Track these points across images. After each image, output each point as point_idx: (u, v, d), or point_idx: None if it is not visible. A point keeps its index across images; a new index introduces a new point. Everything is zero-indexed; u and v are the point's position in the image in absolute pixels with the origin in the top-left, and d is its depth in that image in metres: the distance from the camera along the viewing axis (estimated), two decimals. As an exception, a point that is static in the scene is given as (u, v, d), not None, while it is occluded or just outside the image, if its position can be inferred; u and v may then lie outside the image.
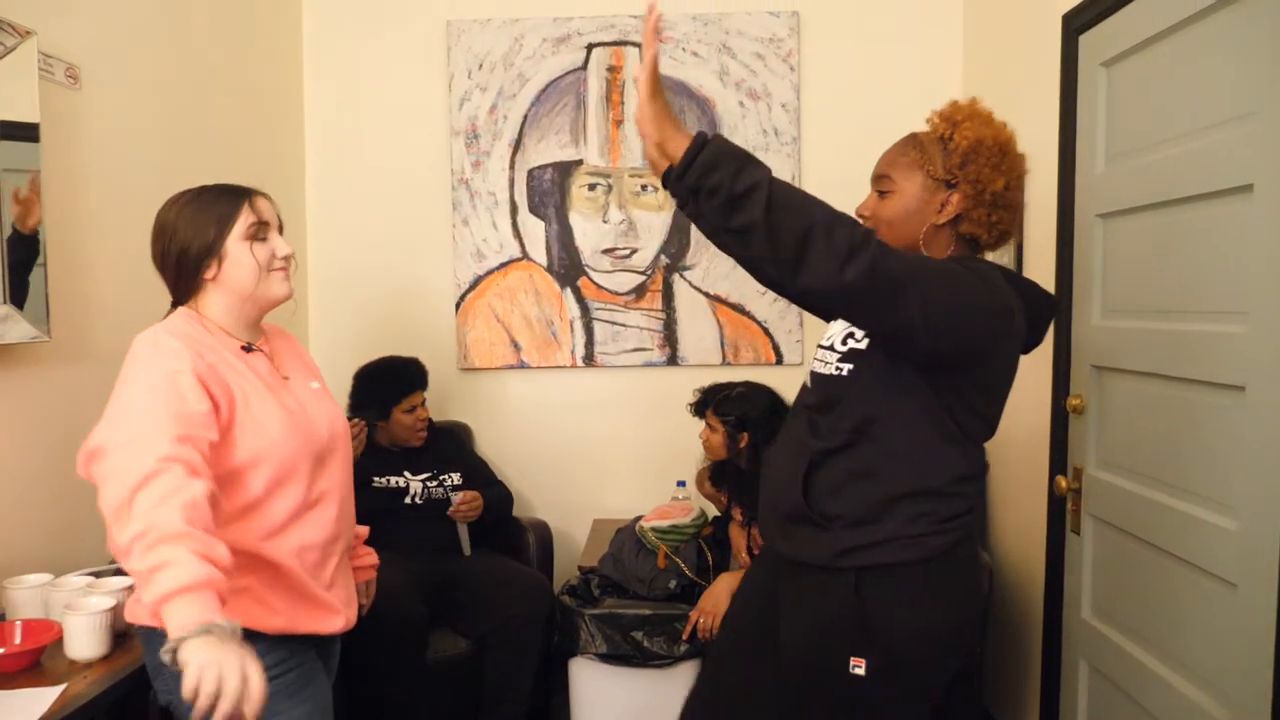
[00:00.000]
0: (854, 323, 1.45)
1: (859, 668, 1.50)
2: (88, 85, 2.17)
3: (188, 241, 1.50)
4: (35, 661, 1.63)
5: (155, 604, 1.14)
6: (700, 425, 2.69)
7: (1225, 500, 1.69)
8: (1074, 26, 2.22)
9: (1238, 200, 1.64)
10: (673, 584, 2.62)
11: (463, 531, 2.83)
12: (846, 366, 1.53)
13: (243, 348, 1.53)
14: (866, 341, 1.51)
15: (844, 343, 1.55)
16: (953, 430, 1.48)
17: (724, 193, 1.30)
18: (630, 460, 3.32)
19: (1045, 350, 2.39)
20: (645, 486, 3.23)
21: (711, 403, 2.64)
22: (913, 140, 1.61)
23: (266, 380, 1.52)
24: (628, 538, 2.73)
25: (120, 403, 1.36)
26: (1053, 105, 2.34)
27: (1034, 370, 2.49)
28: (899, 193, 1.58)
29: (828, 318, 1.64)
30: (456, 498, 2.78)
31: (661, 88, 1.34)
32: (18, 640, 1.66)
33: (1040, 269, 2.48)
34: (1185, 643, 1.82)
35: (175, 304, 1.57)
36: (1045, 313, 1.61)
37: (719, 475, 2.66)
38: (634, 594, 2.63)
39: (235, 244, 1.52)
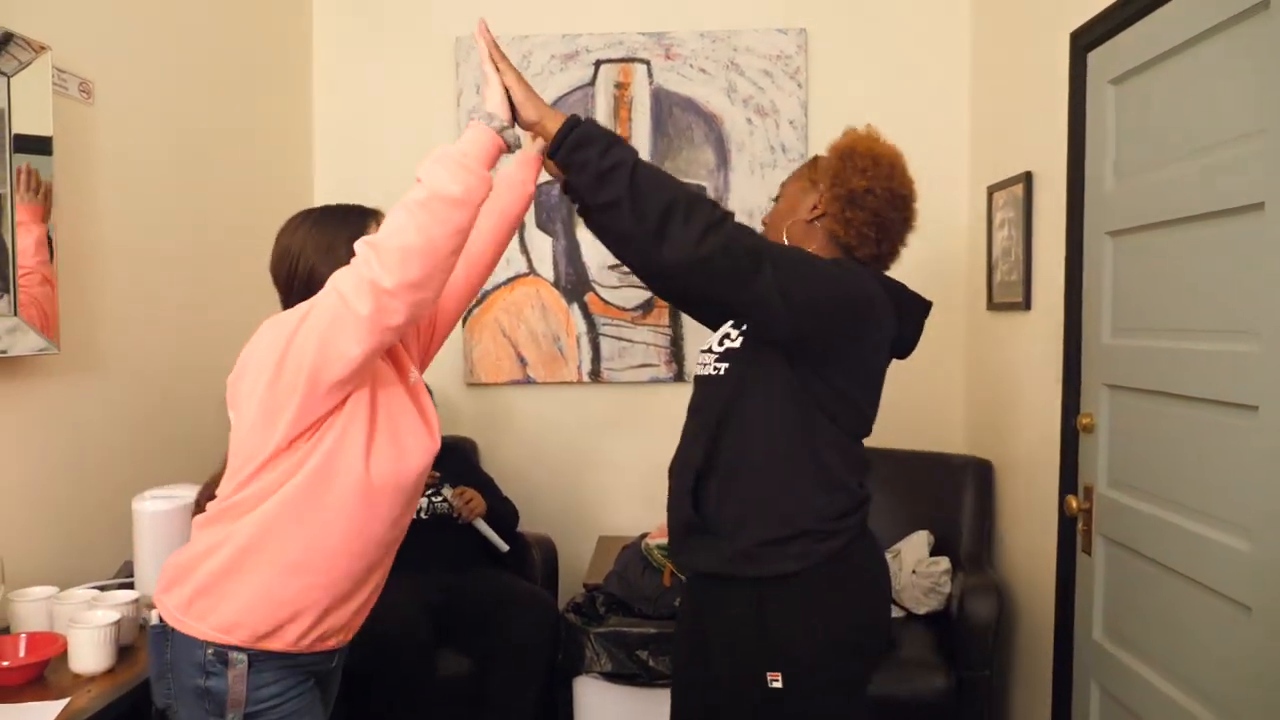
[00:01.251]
0: (715, 297, 1.51)
1: (776, 681, 1.56)
2: (101, 100, 2.19)
3: (321, 255, 1.52)
4: (39, 675, 1.62)
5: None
6: None
7: (1238, 521, 1.67)
8: (1082, 44, 2.23)
9: (1249, 218, 1.63)
10: (678, 602, 2.60)
11: (485, 529, 2.81)
12: (723, 366, 1.62)
13: None
14: (741, 340, 1.60)
15: (720, 344, 1.65)
16: (824, 425, 1.55)
17: (592, 168, 1.43)
18: (636, 477, 3.30)
19: (1054, 368, 2.39)
20: (651, 503, 3.20)
21: None
22: (813, 159, 1.76)
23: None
24: (633, 555, 2.71)
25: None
26: (1061, 123, 2.34)
27: (1043, 388, 2.48)
28: (784, 198, 1.75)
29: (702, 315, 1.82)
30: (455, 501, 2.76)
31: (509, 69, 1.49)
32: (22, 653, 1.66)
33: (1049, 287, 2.47)
34: (1198, 665, 1.80)
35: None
36: (917, 314, 1.70)
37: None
38: (639, 612, 2.61)
39: None
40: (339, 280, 1.36)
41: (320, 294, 1.40)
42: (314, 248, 1.54)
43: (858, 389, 1.60)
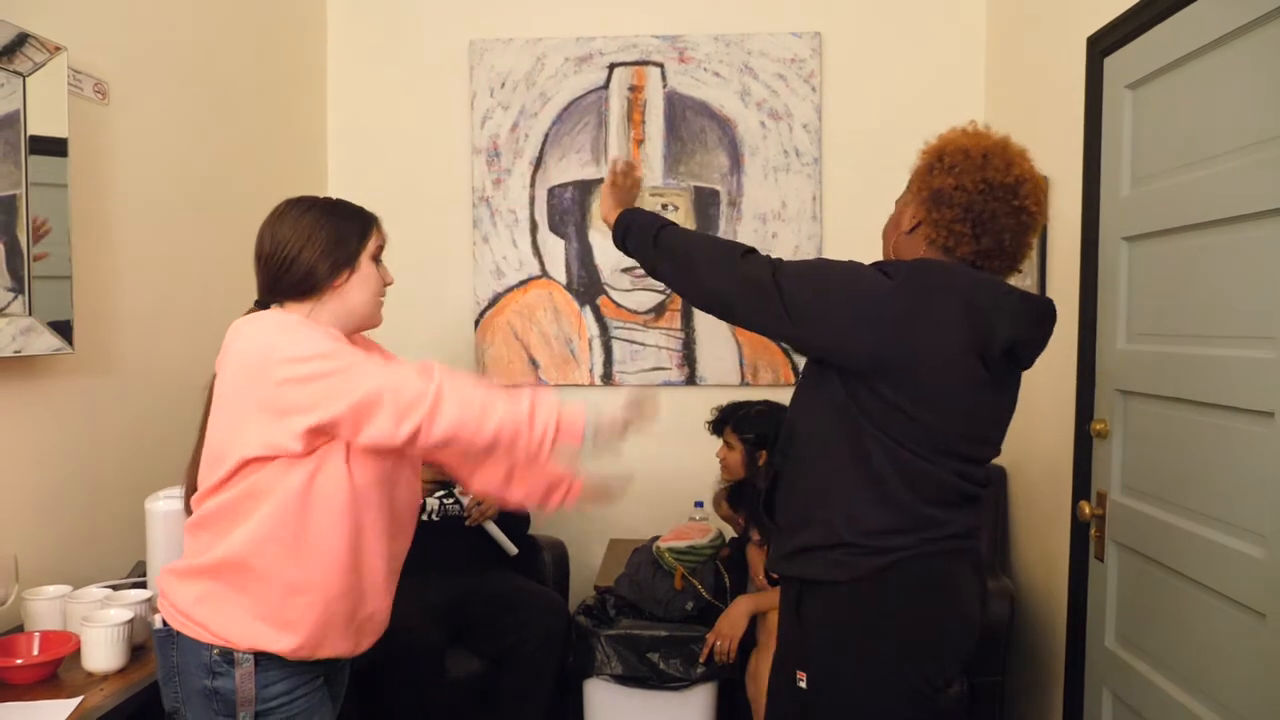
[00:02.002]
0: (747, 325, 1.63)
1: (802, 680, 1.59)
2: (115, 101, 2.20)
3: (327, 249, 1.50)
4: (53, 673, 1.63)
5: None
6: (718, 444, 2.68)
7: (1253, 528, 1.66)
8: (1099, 49, 2.21)
9: (1267, 224, 1.62)
10: (689, 605, 2.60)
11: (494, 532, 2.81)
12: (802, 379, 1.69)
13: None
14: (804, 360, 1.66)
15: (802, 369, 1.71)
16: (875, 438, 1.50)
17: (636, 246, 1.75)
18: (647, 480, 3.28)
19: (1068, 374, 2.37)
20: (662, 507, 3.21)
21: (730, 420, 2.64)
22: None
23: None
24: (644, 558, 2.71)
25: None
26: (1077, 128, 2.33)
27: (1056, 394, 2.47)
28: (894, 212, 1.71)
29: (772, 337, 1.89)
30: (466, 500, 2.76)
31: (626, 187, 1.86)
32: (36, 652, 1.67)
33: (1064, 292, 2.46)
34: (1212, 673, 1.78)
35: (261, 303, 1.56)
36: (1026, 317, 1.53)
37: (736, 496, 2.65)
38: (650, 615, 2.61)
39: (367, 261, 1.56)
40: (395, 385, 1.37)
41: (353, 363, 1.39)
42: (321, 240, 1.50)
43: (909, 399, 1.49)
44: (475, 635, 2.66)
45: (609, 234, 1.84)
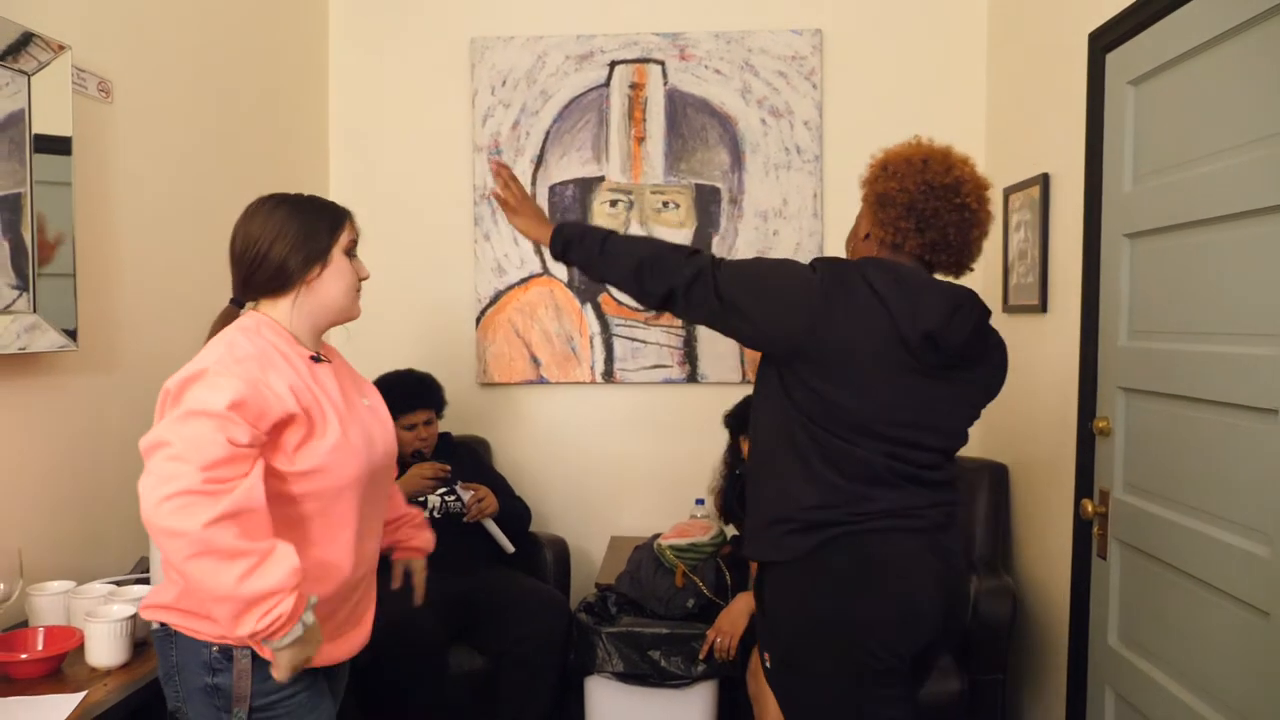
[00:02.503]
0: (694, 321, 1.83)
1: (768, 661, 1.73)
2: (119, 99, 2.20)
3: (298, 244, 1.50)
4: (56, 668, 1.63)
5: None
6: (719, 442, 2.68)
7: (1257, 526, 1.66)
8: (1101, 45, 2.21)
9: (1270, 220, 1.62)
10: (690, 603, 2.60)
11: (493, 529, 2.82)
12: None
13: (311, 358, 1.53)
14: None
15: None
16: (802, 424, 1.62)
17: (580, 260, 1.81)
18: (649, 477, 3.30)
19: (1070, 372, 2.37)
20: (663, 504, 3.21)
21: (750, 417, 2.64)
22: None
23: (332, 394, 1.51)
24: (645, 556, 2.71)
25: None
26: (1078, 124, 2.33)
27: (1058, 392, 2.47)
28: (854, 223, 1.83)
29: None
30: (467, 497, 2.77)
31: (520, 204, 1.93)
32: (40, 647, 1.68)
33: (1066, 289, 2.46)
34: (1215, 671, 1.78)
35: (236, 300, 1.57)
36: (951, 309, 1.60)
37: (738, 493, 2.65)
38: (651, 613, 2.61)
39: (339, 255, 1.55)
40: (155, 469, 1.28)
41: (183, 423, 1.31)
42: (291, 235, 1.50)
43: (827, 383, 1.60)
44: (477, 633, 2.67)
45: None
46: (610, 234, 1.78)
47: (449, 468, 2.76)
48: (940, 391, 1.64)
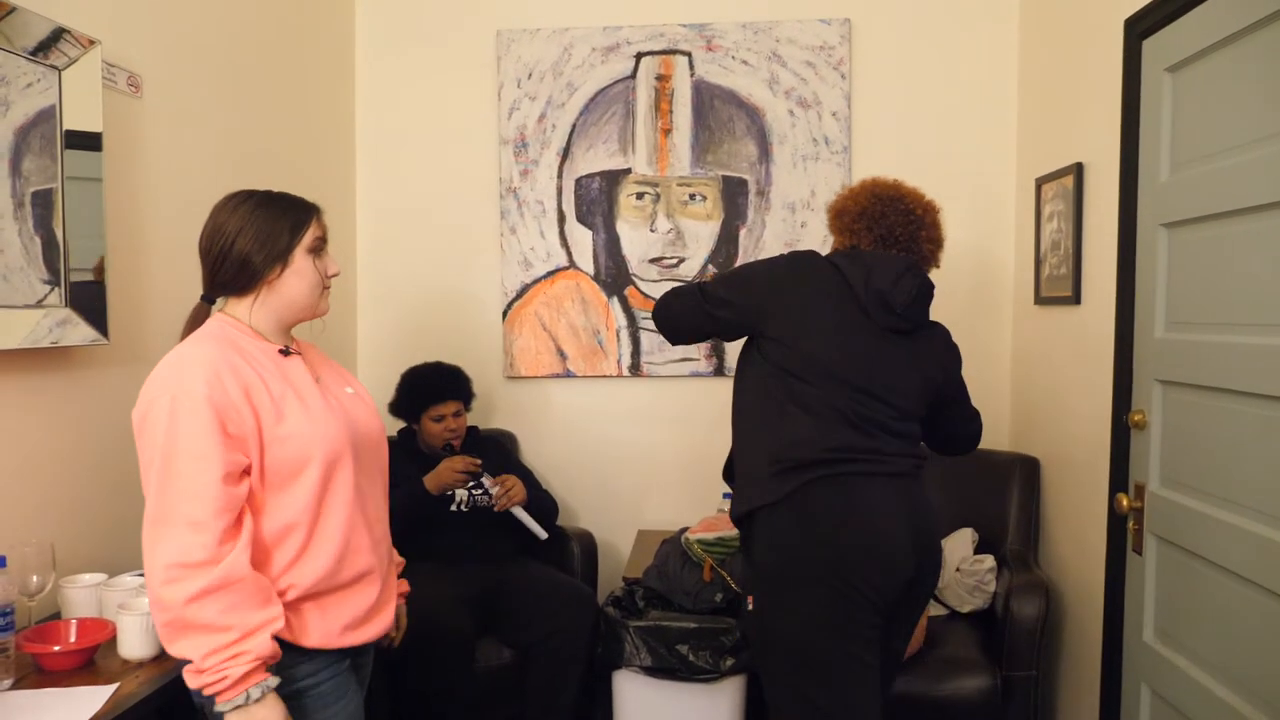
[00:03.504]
0: (692, 330, 2.11)
1: (750, 603, 1.92)
2: (149, 94, 2.22)
3: (259, 243, 1.52)
4: (89, 660, 1.65)
5: None
6: None
7: (1299, 521, 1.62)
8: (1137, 31, 2.16)
9: (1314, 208, 1.58)
10: (718, 597, 2.59)
11: (523, 517, 2.82)
12: None
13: (280, 351, 1.56)
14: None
15: None
16: (774, 386, 1.88)
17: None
18: (676, 471, 3.29)
19: (1105, 364, 2.33)
20: (691, 498, 3.20)
21: None
22: None
23: (298, 383, 1.54)
24: (673, 550, 2.70)
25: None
26: (1114, 112, 2.28)
27: (1093, 384, 2.43)
28: None
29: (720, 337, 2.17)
30: (495, 490, 2.77)
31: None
32: (72, 639, 1.69)
33: (1100, 280, 2.42)
34: (1255, 668, 1.75)
35: (206, 297, 1.60)
36: (884, 271, 1.88)
37: None
38: (679, 607, 2.60)
39: (301, 255, 1.55)
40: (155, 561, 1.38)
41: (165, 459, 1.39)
42: (252, 233, 1.51)
43: (798, 335, 1.87)
44: (505, 625, 2.67)
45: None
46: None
47: (480, 461, 2.76)
48: (892, 351, 1.89)
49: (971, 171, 3.16)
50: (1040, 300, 2.86)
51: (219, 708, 1.36)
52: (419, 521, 2.67)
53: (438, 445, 2.84)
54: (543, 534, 2.84)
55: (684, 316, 2.04)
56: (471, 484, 2.80)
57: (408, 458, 2.78)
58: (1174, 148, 2.04)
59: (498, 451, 3.01)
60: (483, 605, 2.65)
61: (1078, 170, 2.54)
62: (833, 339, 1.86)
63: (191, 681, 1.38)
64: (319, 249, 1.59)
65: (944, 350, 2.01)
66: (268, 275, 1.54)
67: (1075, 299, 2.57)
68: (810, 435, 1.82)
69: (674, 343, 2.13)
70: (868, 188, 2.01)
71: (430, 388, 2.85)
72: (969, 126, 3.16)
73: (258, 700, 1.36)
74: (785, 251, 2.05)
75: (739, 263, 3.22)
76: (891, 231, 1.95)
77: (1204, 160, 1.92)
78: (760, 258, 2.02)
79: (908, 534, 1.82)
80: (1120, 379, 2.25)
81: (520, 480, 2.87)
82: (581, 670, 2.64)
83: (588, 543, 3.05)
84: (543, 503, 2.95)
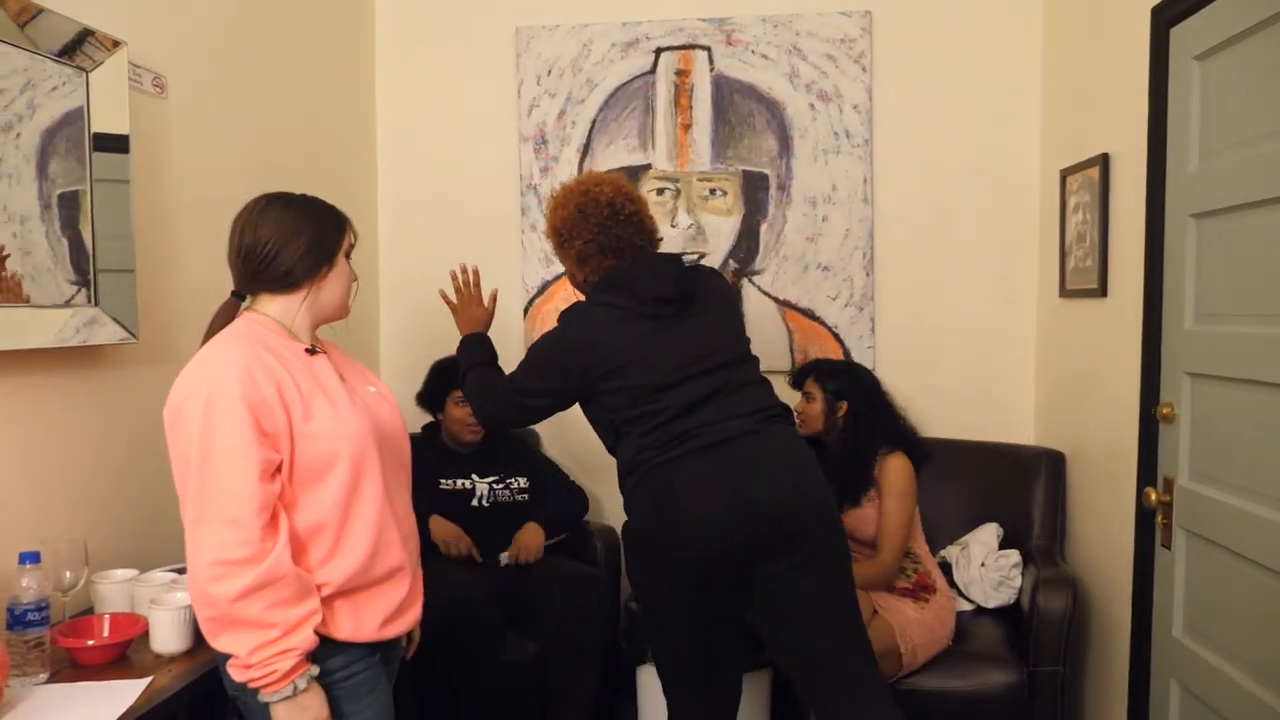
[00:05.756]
0: (515, 420, 2.34)
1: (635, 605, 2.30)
2: (173, 94, 2.24)
3: (312, 245, 1.55)
4: (122, 654, 1.67)
5: None
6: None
7: (1334, 514, 1.60)
8: (1165, 19, 2.14)
9: (1348, 197, 1.55)
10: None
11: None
12: None
13: (306, 350, 1.57)
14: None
15: None
16: (607, 419, 2.07)
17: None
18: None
19: (1132, 356, 2.31)
20: (713, 493, 3.19)
21: (812, 372, 2.65)
22: None
23: (325, 381, 1.55)
24: (696, 544, 2.70)
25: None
26: (1140, 102, 2.26)
27: (1119, 378, 2.40)
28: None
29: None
30: (512, 563, 2.73)
31: (463, 306, 2.44)
32: (106, 633, 1.71)
33: (1127, 272, 2.39)
34: (1288, 664, 1.73)
35: (237, 293, 1.62)
36: (647, 271, 2.05)
37: None
38: (702, 601, 2.60)
39: (342, 258, 1.61)
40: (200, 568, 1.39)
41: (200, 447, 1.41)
42: (307, 236, 1.54)
43: (617, 379, 1.99)
44: (524, 615, 2.67)
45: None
46: (470, 368, 2.26)
47: (478, 559, 2.73)
48: (691, 326, 2.02)
49: (994, 164, 3.13)
50: (1065, 293, 2.84)
51: (265, 698, 1.39)
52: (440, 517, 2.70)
53: (460, 432, 2.85)
54: (560, 535, 2.87)
55: (496, 412, 2.21)
56: (493, 479, 2.82)
57: (431, 453, 2.80)
58: (1203, 137, 2.02)
59: (519, 447, 3.01)
60: (505, 600, 2.66)
61: (1104, 161, 2.52)
62: (640, 360, 1.98)
63: (238, 676, 1.40)
64: (349, 254, 1.64)
65: (720, 288, 2.17)
66: (314, 277, 1.57)
67: (1102, 291, 2.55)
68: (629, 454, 2.01)
69: (502, 430, 2.44)
70: (557, 210, 2.15)
71: (454, 375, 2.86)
72: (992, 118, 3.13)
73: (304, 690, 1.40)
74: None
75: (759, 260, 3.22)
76: (618, 241, 2.08)
77: (1234, 149, 1.89)
78: (545, 335, 2.16)
79: (722, 502, 1.90)
80: (1148, 372, 2.23)
81: (544, 478, 2.88)
82: (599, 661, 2.63)
83: (611, 538, 3.04)
84: (570, 505, 2.94)
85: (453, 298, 2.42)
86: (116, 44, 1.97)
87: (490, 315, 2.42)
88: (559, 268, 3.27)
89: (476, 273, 2.43)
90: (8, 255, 1.75)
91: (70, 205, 1.89)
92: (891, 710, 2.00)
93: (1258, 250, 1.81)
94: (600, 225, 2.08)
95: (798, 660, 2.02)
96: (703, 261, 3.20)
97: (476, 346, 2.30)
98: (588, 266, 2.12)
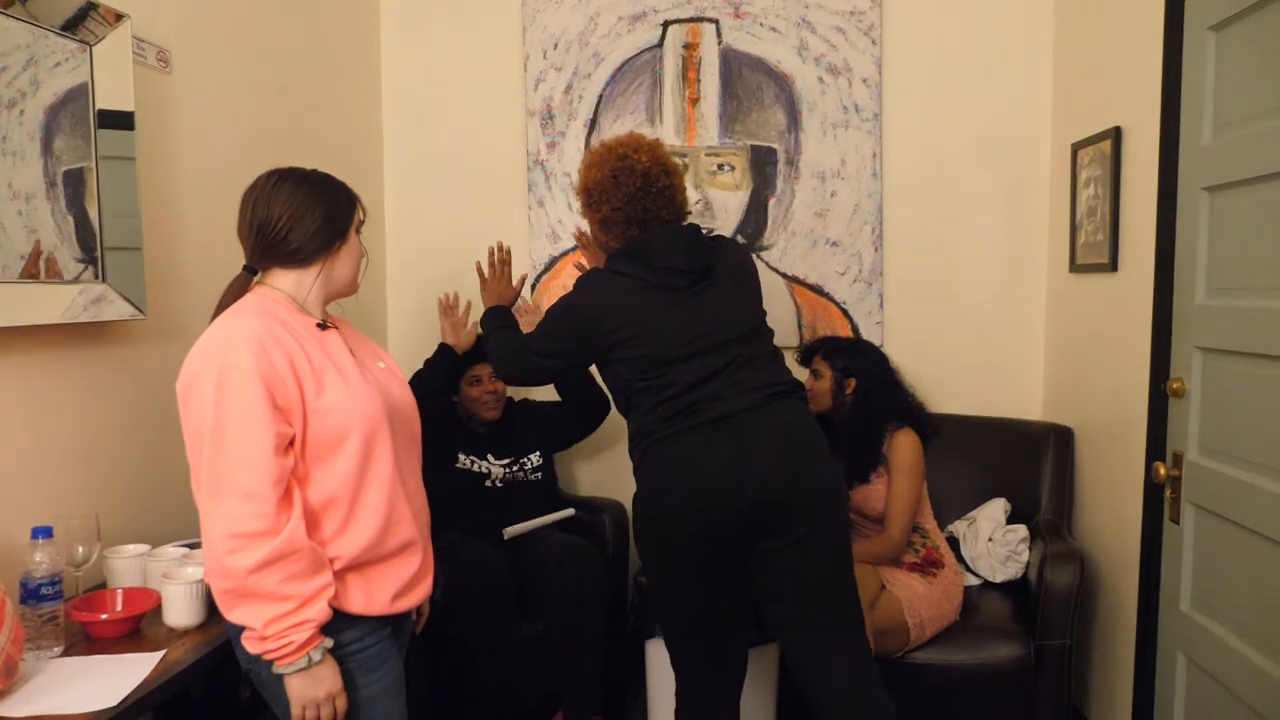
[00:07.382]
0: (536, 378, 2.42)
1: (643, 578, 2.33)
2: (177, 68, 2.22)
3: (327, 219, 1.56)
4: (135, 628, 1.68)
5: None
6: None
7: (1345, 489, 1.59)
8: (1179, -11, 2.11)
9: (1364, 169, 1.54)
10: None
11: (544, 522, 2.82)
12: None
13: (318, 325, 1.58)
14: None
15: None
16: (620, 387, 2.08)
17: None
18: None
19: (1142, 331, 2.30)
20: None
21: (820, 349, 2.64)
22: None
23: (337, 356, 1.56)
24: (704, 520, 2.71)
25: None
26: (1154, 74, 2.23)
27: (1128, 353, 2.39)
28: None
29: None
30: (509, 531, 2.74)
31: (491, 283, 2.55)
32: (119, 607, 1.73)
33: (1138, 247, 2.37)
34: (1296, 638, 1.73)
35: (249, 268, 1.62)
36: (668, 241, 2.03)
37: None
38: (710, 576, 2.61)
39: (354, 234, 1.62)
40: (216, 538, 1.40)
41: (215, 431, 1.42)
42: (322, 209, 1.55)
43: (631, 348, 2.00)
44: (530, 597, 2.69)
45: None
46: (494, 330, 2.33)
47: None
48: (707, 299, 2.02)
49: (1005, 138, 3.10)
50: (1075, 268, 2.82)
51: (280, 670, 1.41)
52: (454, 494, 2.70)
53: (477, 410, 2.86)
54: (569, 512, 2.87)
55: (516, 370, 2.25)
56: (507, 460, 2.84)
57: (452, 426, 2.81)
58: (1217, 109, 2.00)
59: (530, 416, 3.01)
60: (517, 576, 2.67)
61: (1116, 134, 2.49)
62: (654, 331, 1.99)
63: (253, 648, 1.41)
64: (359, 229, 1.64)
65: (737, 264, 2.12)
66: (327, 252, 1.58)
67: (1112, 266, 2.53)
68: (637, 429, 2.04)
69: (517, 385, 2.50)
70: (590, 170, 2.12)
71: (466, 352, 2.87)
72: (1002, 92, 3.10)
73: (319, 663, 1.42)
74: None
75: (767, 235, 3.20)
76: (645, 212, 2.07)
77: (1249, 122, 1.87)
78: (565, 299, 2.13)
79: (724, 472, 1.91)
80: (1158, 346, 2.22)
81: (552, 429, 2.95)
82: (600, 623, 2.62)
83: (618, 513, 3.05)
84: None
85: (485, 271, 2.54)
86: (120, 17, 1.95)
87: (516, 294, 2.55)
88: (566, 244, 3.27)
89: (509, 252, 2.55)
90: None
91: (76, 183, 1.89)
92: (879, 694, 1.98)
93: (1271, 224, 1.80)
94: (631, 196, 2.06)
95: (788, 636, 2.02)
96: (739, 241, 3.18)
97: (500, 315, 2.39)
98: (611, 233, 2.12)
